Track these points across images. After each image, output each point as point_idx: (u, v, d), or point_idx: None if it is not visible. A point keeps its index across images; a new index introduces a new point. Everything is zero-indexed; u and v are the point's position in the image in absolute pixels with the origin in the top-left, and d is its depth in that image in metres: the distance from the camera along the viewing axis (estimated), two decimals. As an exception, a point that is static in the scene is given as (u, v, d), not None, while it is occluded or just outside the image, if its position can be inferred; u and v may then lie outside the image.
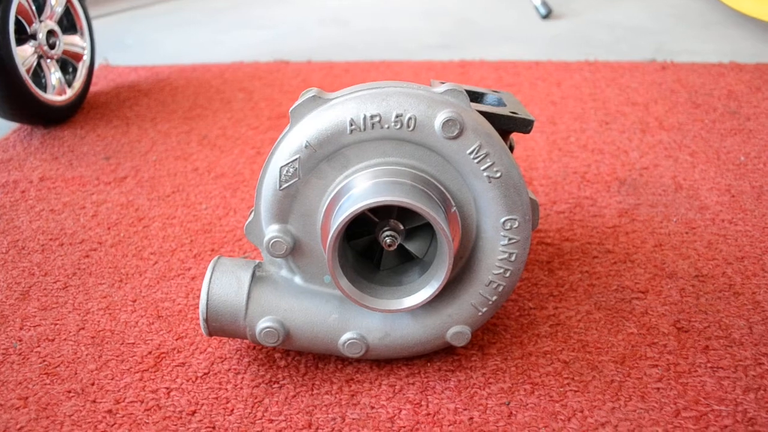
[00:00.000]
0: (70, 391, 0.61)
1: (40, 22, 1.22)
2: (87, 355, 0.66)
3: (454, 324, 0.60)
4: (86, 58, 1.34)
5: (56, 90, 1.25)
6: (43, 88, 1.22)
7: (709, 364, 0.62)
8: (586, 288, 0.73)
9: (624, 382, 0.60)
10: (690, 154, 1.00)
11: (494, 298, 0.59)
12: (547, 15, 1.78)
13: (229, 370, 0.63)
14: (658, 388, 0.60)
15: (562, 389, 0.60)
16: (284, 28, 1.89)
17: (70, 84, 1.29)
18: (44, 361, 0.66)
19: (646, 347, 0.64)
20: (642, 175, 0.95)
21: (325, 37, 1.77)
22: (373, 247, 0.61)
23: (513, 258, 0.58)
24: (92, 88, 1.37)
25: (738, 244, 0.79)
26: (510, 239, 0.57)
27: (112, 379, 0.63)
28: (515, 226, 0.56)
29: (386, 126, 0.54)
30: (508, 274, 0.58)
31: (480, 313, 0.60)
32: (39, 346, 0.68)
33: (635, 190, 0.91)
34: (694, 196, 0.89)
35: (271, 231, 0.58)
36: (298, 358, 0.64)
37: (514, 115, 0.61)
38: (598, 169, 0.97)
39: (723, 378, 0.60)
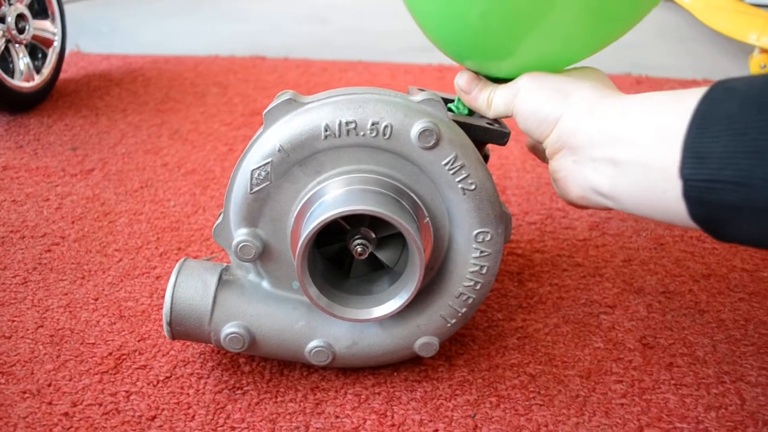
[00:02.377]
0: (25, 392, 0.60)
1: (10, 5, 1.19)
2: (45, 354, 0.64)
3: (423, 335, 0.59)
4: (56, 44, 1.31)
5: (24, 76, 1.22)
6: (11, 73, 1.19)
7: (672, 381, 0.62)
8: (555, 301, 0.73)
9: (589, 397, 0.60)
10: (661, 169, 1.01)
11: (464, 310, 0.59)
12: (526, 22, 1.78)
13: (192, 374, 0.62)
14: (622, 404, 0.60)
15: (527, 403, 0.59)
16: (263, 22, 1.87)
17: (38, 70, 1.26)
18: (-1, 359, 0.64)
19: (611, 362, 0.64)
20: (613, 189, 0.95)
21: (304, 34, 1.76)
22: (344, 254, 0.60)
23: (484, 271, 0.57)
24: (62, 76, 1.34)
25: (705, 262, 0.80)
26: (482, 252, 0.56)
27: (70, 380, 0.61)
28: (488, 239, 0.56)
29: (362, 133, 0.53)
30: (478, 287, 0.58)
31: (449, 325, 0.59)
32: (-5, 343, 0.65)
33: (606, 203, 0.92)
34: (663, 211, 0.90)
35: (240, 234, 0.57)
36: (263, 364, 0.63)
37: (490, 126, 0.60)
38: (570, 180, 0.97)
39: (686, 395, 0.61)
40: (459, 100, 0.61)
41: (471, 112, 0.62)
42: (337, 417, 0.57)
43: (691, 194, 0.40)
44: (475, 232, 0.56)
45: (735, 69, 1.59)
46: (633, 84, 1.40)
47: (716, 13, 1.72)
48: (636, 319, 0.70)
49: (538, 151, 0.62)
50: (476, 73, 0.58)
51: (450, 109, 0.62)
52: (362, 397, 0.59)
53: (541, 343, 0.67)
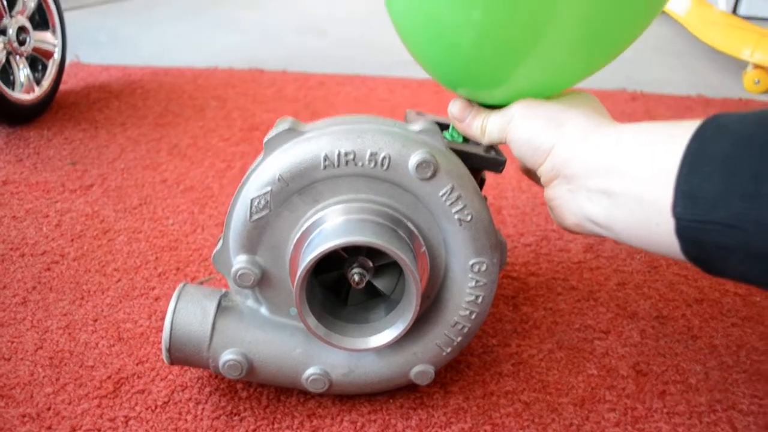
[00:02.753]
0: (24, 416, 0.60)
1: (11, 17, 1.19)
2: (44, 377, 0.65)
3: (419, 363, 0.60)
4: (57, 56, 1.31)
5: (24, 88, 1.22)
6: (11, 85, 1.20)
7: (665, 410, 0.63)
8: (549, 326, 0.73)
9: (582, 426, 0.61)
10: (656, 190, 1.02)
11: (459, 338, 0.60)
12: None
13: (190, 399, 0.62)
14: (615, 432, 0.60)
15: None
16: (261, 33, 1.87)
17: (38, 82, 1.27)
18: (-1, 381, 0.64)
19: (605, 390, 0.65)
20: (609, 210, 0.96)
21: (302, 46, 1.76)
22: (341, 281, 0.61)
23: (479, 300, 0.58)
24: (62, 87, 1.35)
25: (698, 286, 0.81)
26: (477, 282, 0.57)
27: (69, 404, 0.62)
28: (483, 269, 0.57)
29: (360, 163, 0.54)
30: (473, 316, 0.59)
31: (444, 353, 0.60)
32: (-6, 364, 0.66)
33: (601, 224, 0.93)
34: (658, 233, 0.91)
35: (239, 262, 0.58)
36: (260, 390, 0.64)
37: (487, 154, 0.61)
38: (566, 200, 0.98)
39: (678, 424, 0.61)
40: (453, 127, 0.62)
41: (466, 139, 0.62)
42: (333, 444, 0.58)
43: (684, 233, 0.41)
44: (471, 262, 0.57)
45: (730, 83, 1.61)
46: (627, 100, 1.41)
47: (710, 28, 1.74)
48: (629, 345, 0.71)
49: (531, 174, 0.63)
50: (469, 100, 0.58)
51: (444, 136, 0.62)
52: (358, 424, 0.60)
53: (535, 369, 0.67)
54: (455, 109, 0.59)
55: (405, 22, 0.55)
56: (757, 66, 1.59)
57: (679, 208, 0.40)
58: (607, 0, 0.47)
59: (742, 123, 0.39)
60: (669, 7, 1.98)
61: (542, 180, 0.53)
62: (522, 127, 0.53)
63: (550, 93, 0.56)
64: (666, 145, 0.42)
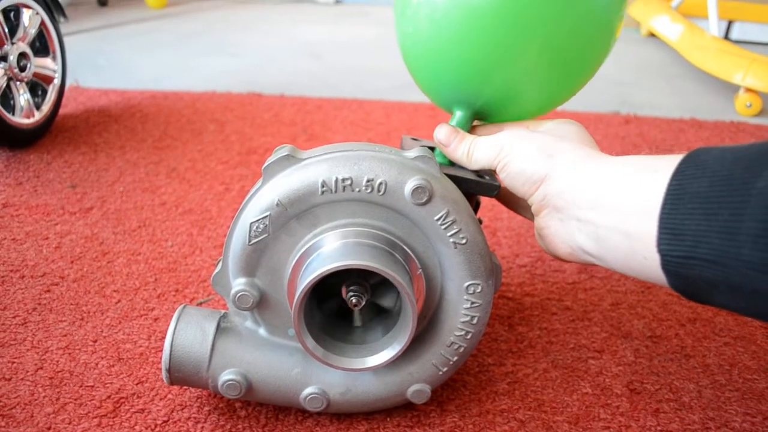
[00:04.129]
0: (25, 437, 0.61)
1: (12, 44, 1.21)
2: (44, 397, 0.65)
3: (415, 382, 0.61)
4: (57, 81, 1.33)
5: (24, 112, 1.23)
6: (11, 110, 1.21)
7: (659, 428, 0.64)
8: (544, 345, 0.74)
9: (577, 444, 0.62)
10: (648, 211, 1.03)
11: (455, 358, 0.61)
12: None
13: (189, 418, 0.63)
14: (610, 451, 0.61)
15: (517, 450, 0.61)
16: (258, 57, 1.90)
17: (38, 107, 1.28)
18: (-1, 402, 0.65)
19: (599, 408, 0.66)
20: (602, 231, 0.98)
21: (299, 71, 1.79)
22: (338, 298, 0.62)
23: (475, 321, 0.59)
24: (61, 110, 1.37)
25: (691, 306, 0.82)
26: (473, 303, 0.58)
27: (69, 423, 0.62)
28: (478, 290, 0.58)
29: (357, 189, 0.55)
30: (469, 336, 0.60)
31: (440, 373, 0.61)
32: (-5, 385, 0.67)
33: (595, 245, 0.94)
34: (650, 254, 0.92)
35: (238, 284, 0.59)
36: (259, 409, 0.64)
37: (481, 179, 0.62)
38: (560, 222, 1.00)
39: (671, 443, 0.62)
40: (438, 151, 0.63)
41: (451, 163, 0.64)
42: (331, 463, 0.59)
43: (670, 268, 0.42)
44: (466, 284, 0.58)
45: (722, 107, 1.63)
46: (621, 123, 1.43)
47: (702, 53, 1.77)
48: (623, 364, 0.72)
49: (505, 199, 0.64)
50: (454, 126, 0.60)
51: None
52: (356, 443, 0.61)
53: (530, 388, 0.68)
54: (441, 134, 0.60)
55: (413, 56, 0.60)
56: (748, 90, 1.61)
57: (663, 244, 0.42)
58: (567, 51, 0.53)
59: (720, 161, 0.41)
60: (662, 33, 2.01)
61: (532, 209, 0.55)
62: (513, 159, 0.54)
63: (536, 115, 0.59)
64: (650, 180, 0.44)
